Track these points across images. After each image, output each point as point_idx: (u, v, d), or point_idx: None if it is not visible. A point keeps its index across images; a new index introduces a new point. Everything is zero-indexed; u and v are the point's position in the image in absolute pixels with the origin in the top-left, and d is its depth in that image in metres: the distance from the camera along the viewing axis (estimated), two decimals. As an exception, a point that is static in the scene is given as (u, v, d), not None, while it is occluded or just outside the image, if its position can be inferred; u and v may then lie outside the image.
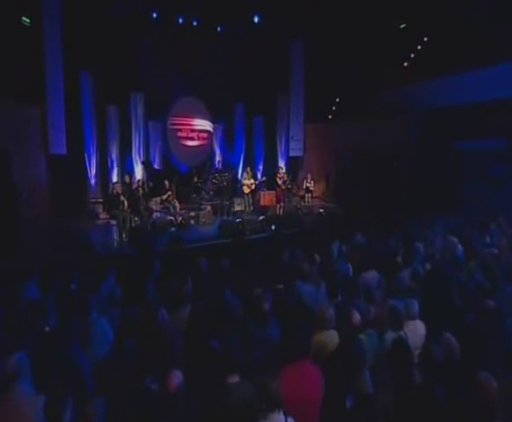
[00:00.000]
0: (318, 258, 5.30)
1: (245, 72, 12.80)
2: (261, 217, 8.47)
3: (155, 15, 11.88)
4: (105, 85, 11.07)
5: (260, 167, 13.34)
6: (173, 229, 8.45)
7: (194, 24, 12.64)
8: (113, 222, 7.67)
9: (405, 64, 12.94)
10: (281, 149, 14.58)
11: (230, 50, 12.72)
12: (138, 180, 8.92)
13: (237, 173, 12.44)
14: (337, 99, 14.26)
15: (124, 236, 7.40)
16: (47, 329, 2.82)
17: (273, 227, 7.50)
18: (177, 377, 2.33)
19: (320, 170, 13.72)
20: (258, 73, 12.74)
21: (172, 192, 9.34)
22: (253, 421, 2.05)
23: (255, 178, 9.99)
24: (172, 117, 12.91)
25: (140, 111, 12.22)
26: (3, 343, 2.54)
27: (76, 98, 10.81)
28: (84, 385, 2.31)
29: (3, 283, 3.83)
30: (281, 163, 13.56)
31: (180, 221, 8.52)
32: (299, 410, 2.21)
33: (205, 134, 13.59)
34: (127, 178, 9.47)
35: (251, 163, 12.07)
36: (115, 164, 11.88)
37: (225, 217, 9.93)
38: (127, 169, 11.81)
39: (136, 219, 8.53)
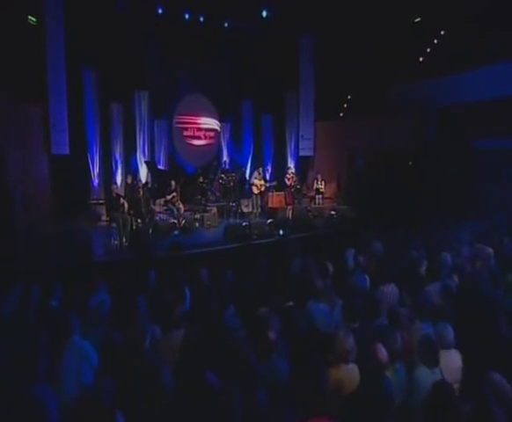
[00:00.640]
0: (331, 267, 4.82)
1: (253, 69, 12.40)
2: (269, 220, 7.99)
3: (160, 11, 11.51)
4: (108, 83, 10.78)
5: (269, 167, 12.88)
6: (176, 232, 8.03)
7: (201, 20, 12.25)
8: (114, 225, 7.28)
9: (421, 59, 12.45)
10: (290, 148, 14.14)
11: (238, 46, 12.30)
12: (139, 181, 8.52)
13: (244, 173, 12.04)
14: (348, 96, 13.83)
15: (124, 239, 7.02)
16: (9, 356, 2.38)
17: (281, 232, 7.02)
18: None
19: (331, 171, 13.23)
20: (266, 70, 12.33)
21: (177, 193, 8.93)
22: None
23: (265, 180, 9.52)
24: (178, 115, 12.56)
25: (145, 109, 11.89)
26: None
27: (78, 96, 10.54)
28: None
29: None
30: (291, 164, 13.11)
31: (184, 224, 8.09)
32: None
33: (212, 133, 13.22)
34: (129, 179, 9.09)
35: (259, 163, 11.62)
36: (119, 164, 11.56)
37: (231, 219, 9.48)
38: (131, 169, 11.51)
39: (139, 221, 8.16)
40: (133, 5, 10.74)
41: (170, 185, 8.74)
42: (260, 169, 9.62)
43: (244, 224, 7.57)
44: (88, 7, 9.83)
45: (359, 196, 11.53)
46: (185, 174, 10.67)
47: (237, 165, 12.15)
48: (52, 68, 9.94)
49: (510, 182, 9.22)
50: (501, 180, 9.44)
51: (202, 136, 13.01)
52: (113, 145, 11.41)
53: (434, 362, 2.44)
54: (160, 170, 11.65)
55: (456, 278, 4.15)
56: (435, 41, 12.16)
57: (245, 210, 10.24)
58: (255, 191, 9.41)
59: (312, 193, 11.64)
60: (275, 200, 9.66)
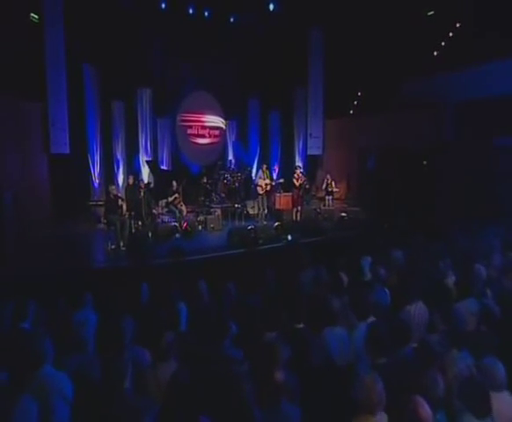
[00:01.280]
0: (345, 278, 4.32)
1: (260, 65, 12.06)
2: (276, 224, 7.51)
3: (163, 5, 11.17)
4: (109, 80, 10.46)
5: (276, 167, 12.43)
6: (178, 235, 7.59)
7: (205, 14, 11.91)
8: (112, 228, 6.85)
9: (435, 53, 11.90)
10: (298, 147, 13.76)
11: (244, 41, 11.95)
12: (141, 181, 8.10)
13: (250, 173, 11.64)
14: (359, 92, 13.35)
15: (122, 244, 6.60)
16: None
17: (289, 237, 6.53)
18: None
19: (341, 170, 12.76)
20: (273, 65, 12.01)
21: (179, 194, 8.50)
22: None
23: (271, 178, 9.03)
24: (182, 113, 12.23)
25: (147, 107, 11.55)
26: None
27: (79, 93, 10.24)
28: None
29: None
30: (299, 163, 12.64)
31: (185, 227, 7.66)
32: None
33: (217, 132, 12.92)
34: (130, 179, 8.67)
35: (266, 162, 11.15)
36: (121, 164, 11.20)
37: (236, 222, 9.02)
38: (133, 169, 11.17)
39: (139, 223, 7.76)
40: (135, 0, 10.37)
41: (171, 185, 8.31)
42: (265, 166, 9.10)
43: (249, 228, 7.10)
44: (88, 2, 9.49)
45: (370, 197, 11.04)
46: (188, 174, 10.24)
47: (242, 165, 11.81)
48: (51, 64, 9.63)
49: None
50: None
51: (207, 135, 12.70)
52: (114, 144, 11.08)
53: (485, 410, 1.94)
54: (163, 170, 11.25)
55: (489, 292, 3.62)
56: (451, 34, 11.65)
57: (251, 212, 9.78)
58: (260, 191, 8.92)
59: (322, 194, 11.12)
60: (283, 201, 9.16)
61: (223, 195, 10.05)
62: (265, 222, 8.78)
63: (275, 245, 6.59)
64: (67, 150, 9.98)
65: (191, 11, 11.66)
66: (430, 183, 10.20)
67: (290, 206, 9.00)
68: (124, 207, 7.01)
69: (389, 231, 6.21)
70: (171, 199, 8.31)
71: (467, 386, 2.03)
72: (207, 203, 9.37)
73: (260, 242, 6.59)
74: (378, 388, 1.86)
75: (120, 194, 8.63)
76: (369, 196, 11.22)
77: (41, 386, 2.39)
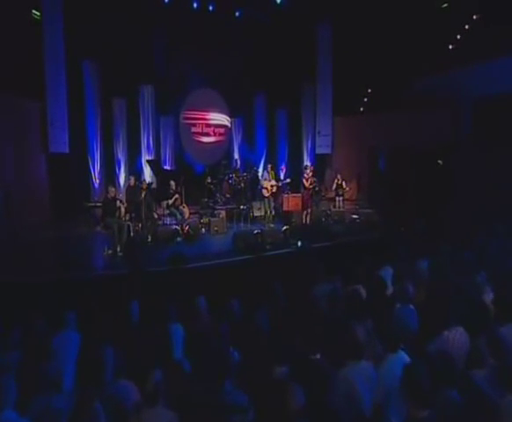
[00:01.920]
0: (363, 292, 3.83)
1: (267, 60, 11.70)
2: (285, 227, 7.03)
3: (167, -1, 10.75)
4: (110, 77, 10.15)
5: (283, 166, 11.99)
6: (179, 239, 7.16)
7: (210, 8, 11.57)
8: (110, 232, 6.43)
9: (450, 47, 11.35)
10: (306, 145, 13.36)
11: (250, 36, 11.60)
12: (143, 181, 7.68)
13: (256, 173, 11.21)
14: (369, 89, 12.87)
15: (119, 248, 6.17)
16: None
17: (299, 243, 6.05)
18: None
19: (350, 170, 12.28)
20: (280, 61, 11.66)
21: (180, 194, 8.07)
22: None
23: (278, 179, 8.53)
24: (186, 111, 11.89)
25: (149, 104, 11.22)
26: None
27: (78, 90, 9.99)
28: None
29: None
30: (307, 162, 12.19)
31: (187, 231, 7.21)
32: None
33: (222, 130, 12.61)
34: (132, 180, 8.27)
35: (273, 162, 10.71)
36: (122, 164, 10.84)
37: (242, 224, 8.56)
38: (135, 169, 10.83)
39: (139, 226, 7.35)
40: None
41: (169, 186, 7.87)
42: (270, 167, 8.60)
43: (255, 232, 6.63)
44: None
45: (382, 198, 10.55)
46: (191, 174, 9.82)
47: (248, 164, 11.45)
48: (50, 61, 9.31)
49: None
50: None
51: (211, 133, 12.39)
52: (115, 143, 10.77)
53: None
54: (165, 170, 10.84)
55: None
56: (466, 26, 11.09)
57: (257, 214, 9.32)
58: (265, 194, 8.43)
59: (331, 195, 10.62)
60: (291, 202, 8.67)
61: (227, 196, 9.63)
62: (272, 225, 8.30)
63: (284, 251, 6.11)
64: (66, 149, 9.68)
65: (195, 5, 11.34)
66: (447, 184, 9.67)
67: (299, 207, 8.52)
68: (122, 209, 6.58)
69: (408, 237, 5.68)
70: (171, 201, 7.87)
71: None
72: (211, 204, 8.95)
73: (267, 247, 6.12)
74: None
75: (120, 195, 8.28)
76: (380, 197, 10.74)
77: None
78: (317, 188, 9.03)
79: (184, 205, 8.17)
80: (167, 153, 11.64)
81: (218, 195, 9.40)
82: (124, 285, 4.35)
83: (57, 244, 6.68)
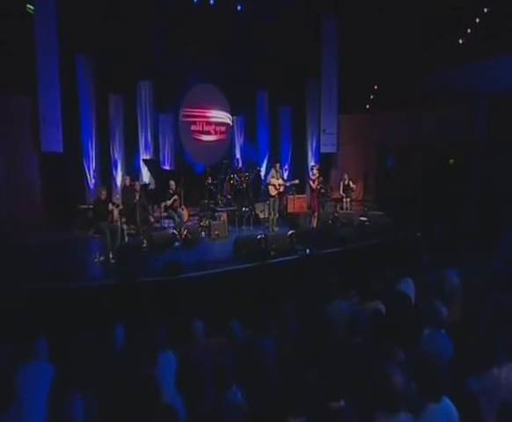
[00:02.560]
0: (382, 307, 3.35)
1: (269, 55, 11.29)
2: (290, 232, 6.54)
3: (166, -9, 10.28)
4: (106, 72, 9.70)
5: (287, 166, 11.54)
6: (177, 244, 6.68)
7: (211, 2, 11.20)
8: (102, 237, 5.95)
9: (464, 40, 10.85)
10: (311, 144, 12.88)
11: (252, 30, 11.15)
12: (138, 182, 7.19)
13: (259, 173, 10.78)
14: (377, 85, 12.43)
15: (111, 256, 5.70)
16: None
17: (307, 251, 5.55)
18: None
19: (357, 170, 11.80)
20: (283, 56, 11.26)
21: (179, 196, 7.60)
22: None
23: (284, 178, 8.03)
24: (185, 108, 11.48)
25: (147, 101, 10.80)
26: None
27: (72, 86, 9.49)
28: None
29: None
30: (312, 161, 11.74)
31: (186, 235, 6.74)
32: None
33: (223, 128, 12.21)
34: (127, 180, 7.80)
35: (276, 159, 10.26)
36: (119, 164, 10.40)
37: (244, 227, 8.07)
38: (133, 169, 10.43)
39: (135, 230, 6.88)
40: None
41: (168, 186, 7.40)
42: (278, 165, 8.08)
43: (258, 237, 6.14)
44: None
45: (392, 199, 10.09)
46: (187, 174, 9.36)
47: (251, 164, 11.06)
48: (42, 54, 8.84)
49: None
50: None
51: (212, 131, 11.99)
52: (111, 142, 10.32)
53: None
54: (162, 169, 10.38)
55: None
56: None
57: (261, 216, 8.84)
58: (272, 192, 7.88)
59: (337, 196, 10.12)
60: (296, 203, 8.19)
61: (229, 197, 9.16)
62: (276, 229, 7.80)
63: (290, 258, 5.61)
64: (60, 148, 9.19)
65: (195, -1, 10.88)
66: (458, 184, 9.17)
67: (304, 209, 8.01)
68: (115, 212, 6.10)
69: (428, 243, 5.17)
70: (169, 202, 7.40)
71: None
72: (211, 206, 8.48)
73: (272, 254, 5.63)
74: None
75: (117, 197, 7.83)
76: (389, 198, 10.26)
77: None
78: (322, 190, 8.54)
79: (183, 207, 7.70)
80: (166, 152, 11.23)
81: (219, 196, 8.95)
82: (111, 300, 3.86)
83: (44, 250, 6.19)
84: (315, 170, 8.05)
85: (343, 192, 9.56)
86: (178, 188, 7.58)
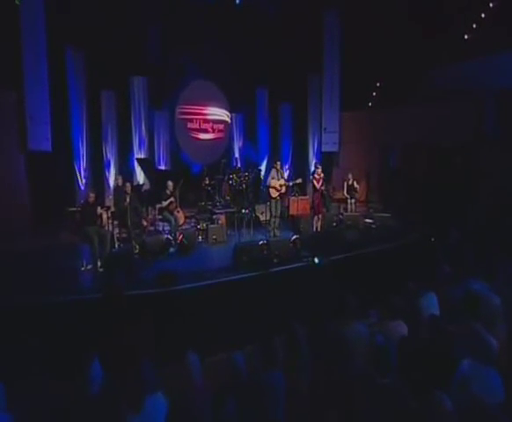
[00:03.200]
0: (404, 329, 2.91)
1: (269, 51, 10.96)
2: (294, 237, 6.09)
3: (161, -17, 9.88)
4: (98, 66, 9.31)
5: (287, 166, 11.14)
6: (172, 249, 6.21)
7: (208, -6, 10.78)
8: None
9: (470, 35, 10.53)
10: (312, 143, 12.55)
11: (251, 25, 10.81)
12: (128, 184, 6.71)
13: (259, 173, 10.39)
14: (379, 82, 12.20)
15: (99, 264, 5.22)
16: None
17: (316, 260, 5.08)
18: None
19: (359, 169, 11.42)
20: (284, 52, 10.95)
21: (175, 198, 7.15)
22: None
23: (285, 178, 7.57)
24: (182, 105, 11.08)
25: (142, 98, 10.40)
26: None
27: (62, 81, 9.05)
28: None
29: None
30: (313, 161, 11.35)
31: (181, 240, 6.27)
32: None
33: (221, 126, 11.85)
34: (119, 181, 7.34)
35: (277, 158, 9.84)
36: (112, 164, 9.95)
37: (244, 231, 7.61)
38: (127, 169, 10.04)
39: (127, 234, 6.41)
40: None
41: (166, 187, 6.95)
42: (278, 163, 7.55)
43: (260, 243, 5.69)
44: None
45: (397, 200, 9.70)
46: (186, 174, 8.94)
47: (250, 163, 10.77)
48: (28, 46, 8.36)
49: None
50: None
51: (210, 129, 11.61)
52: (103, 140, 9.92)
53: None
54: (157, 169, 9.95)
55: None
56: (483, 15, 10.26)
57: (261, 218, 8.40)
58: (273, 194, 7.38)
59: (340, 196, 9.69)
60: (299, 205, 7.74)
61: (227, 198, 8.72)
62: (278, 233, 7.34)
63: (294, 266, 5.16)
64: (48, 147, 8.74)
65: (193, -10, 10.47)
66: (466, 183, 8.79)
67: (307, 211, 7.55)
68: (104, 216, 5.63)
69: (446, 250, 4.71)
70: (165, 204, 6.94)
71: None
72: (209, 207, 8.03)
73: (275, 261, 5.18)
74: None
75: (110, 198, 7.35)
76: (395, 199, 9.86)
77: None
78: (325, 192, 8.10)
79: (179, 210, 7.23)
80: (161, 151, 10.83)
81: (217, 198, 8.52)
82: (89, 321, 3.38)
83: (27, 257, 5.69)
84: (319, 170, 7.58)
85: (347, 192, 9.11)
86: (175, 190, 7.12)
